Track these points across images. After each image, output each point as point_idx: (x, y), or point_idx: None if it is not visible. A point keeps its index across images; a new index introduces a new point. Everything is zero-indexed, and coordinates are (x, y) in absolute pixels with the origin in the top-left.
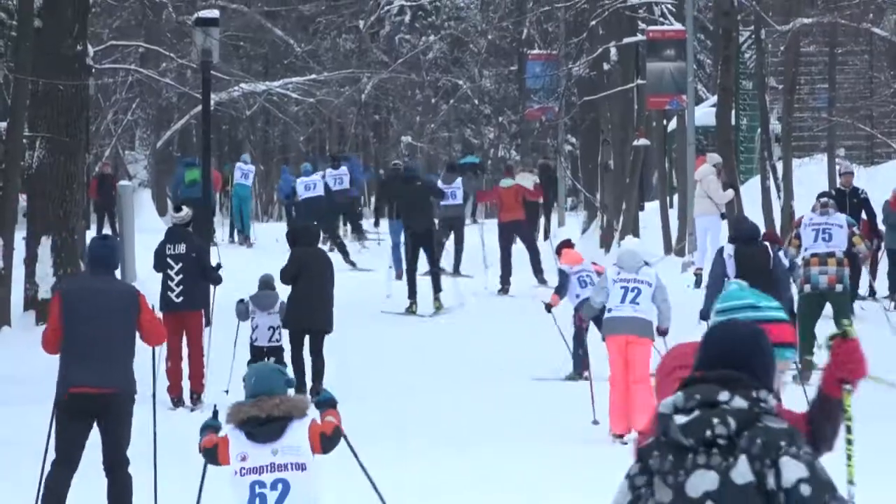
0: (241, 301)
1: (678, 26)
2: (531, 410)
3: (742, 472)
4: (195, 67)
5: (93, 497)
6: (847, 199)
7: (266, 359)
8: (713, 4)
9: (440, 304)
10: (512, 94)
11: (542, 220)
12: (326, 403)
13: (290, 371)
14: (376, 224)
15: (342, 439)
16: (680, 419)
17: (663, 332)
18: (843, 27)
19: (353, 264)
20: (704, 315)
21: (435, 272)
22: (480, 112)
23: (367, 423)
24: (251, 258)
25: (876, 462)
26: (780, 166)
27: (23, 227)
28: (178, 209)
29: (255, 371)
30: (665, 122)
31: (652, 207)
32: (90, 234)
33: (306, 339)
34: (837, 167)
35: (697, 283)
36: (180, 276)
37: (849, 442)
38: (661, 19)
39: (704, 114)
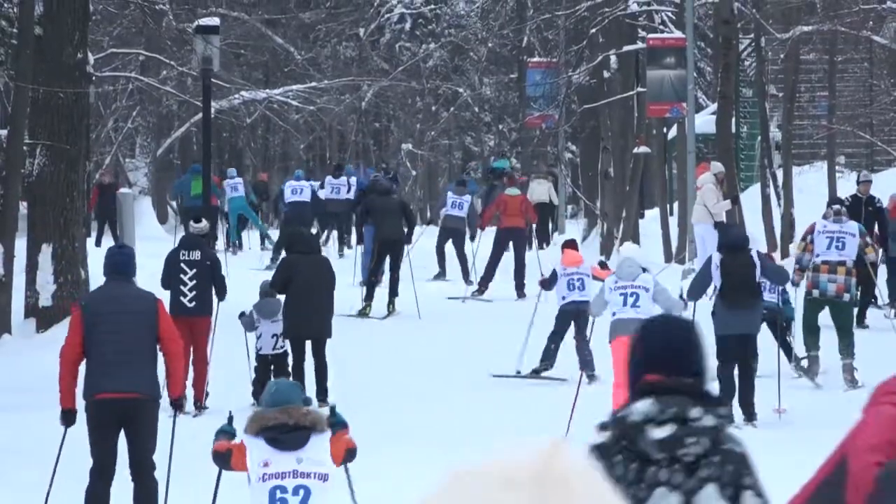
0: (243, 314)
1: (678, 34)
2: (531, 413)
3: (707, 498)
4: (195, 75)
5: (119, 501)
6: (863, 207)
7: (271, 366)
8: (713, 12)
9: (394, 308)
10: (512, 101)
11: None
12: (341, 425)
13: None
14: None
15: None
16: (655, 432)
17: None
18: (842, 35)
19: None
20: (689, 298)
21: (395, 278)
22: (481, 120)
23: (366, 432)
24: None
25: None
26: (780, 174)
27: (23, 235)
28: (197, 220)
29: (276, 384)
30: (665, 129)
31: (652, 215)
32: (90, 242)
33: (308, 346)
34: (856, 175)
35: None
36: (194, 282)
37: None
38: (661, 27)
39: (704, 121)
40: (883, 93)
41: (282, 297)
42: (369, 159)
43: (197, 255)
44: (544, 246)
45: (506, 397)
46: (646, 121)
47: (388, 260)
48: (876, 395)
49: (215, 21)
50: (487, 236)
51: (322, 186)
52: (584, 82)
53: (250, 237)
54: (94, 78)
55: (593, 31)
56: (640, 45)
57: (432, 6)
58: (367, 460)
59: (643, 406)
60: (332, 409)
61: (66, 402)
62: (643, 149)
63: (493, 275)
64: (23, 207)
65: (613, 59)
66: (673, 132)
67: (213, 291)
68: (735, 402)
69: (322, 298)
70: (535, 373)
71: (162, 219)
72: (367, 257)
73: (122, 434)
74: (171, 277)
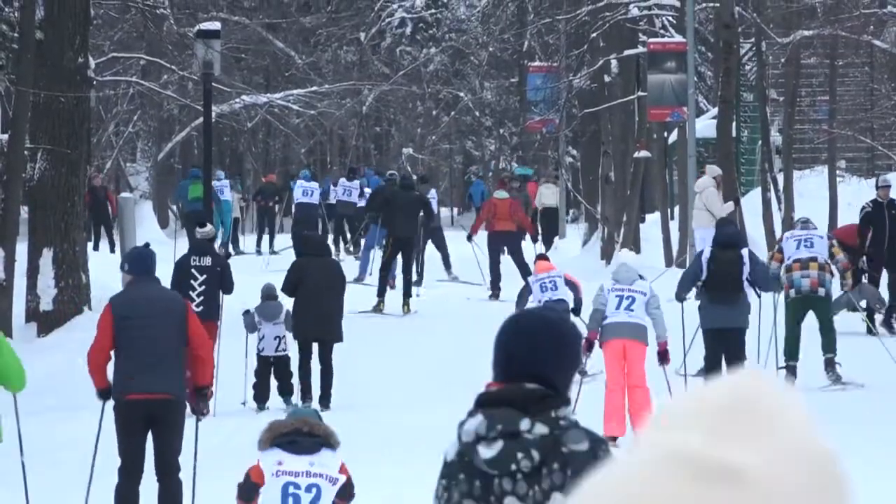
0: (248, 312)
1: (679, 38)
2: None
3: None
4: (196, 79)
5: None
6: (886, 212)
7: (272, 368)
8: (714, 17)
9: (409, 308)
10: (513, 106)
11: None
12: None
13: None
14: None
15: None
16: (484, 452)
17: (663, 351)
18: (843, 39)
19: None
20: (678, 297)
21: (408, 279)
22: (481, 124)
23: (368, 436)
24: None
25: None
26: (780, 178)
27: (24, 239)
28: (202, 224)
29: (295, 408)
30: (666, 134)
31: (653, 219)
32: (90, 246)
33: (315, 348)
34: (875, 179)
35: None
36: (203, 287)
37: None
38: (661, 31)
39: (705, 126)
40: (883, 97)
41: (284, 300)
42: (370, 163)
43: (207, 260)
44: (552, 249)
45: None
46: (646, 125)
47: (399, 260)
48: None
49: (216, 25)
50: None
51: (333, 185)
52: (584, 86)
53: (246, 241)
54: (94, 82)
55: (594, 35)
56: (640, 49)
57: (433, 10)
58: (370, 465)
59: (473, 424)
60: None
61: (101, 384)
62: (644, 153)
63: (499, 276)
64: (24, 212)
65: (614, 63)
66: (674, 136)
67: (221, 292)
68: None
69: (331, 301)
70: None
71: (163, 223)
72: (365, 254)
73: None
74: (180, 283)
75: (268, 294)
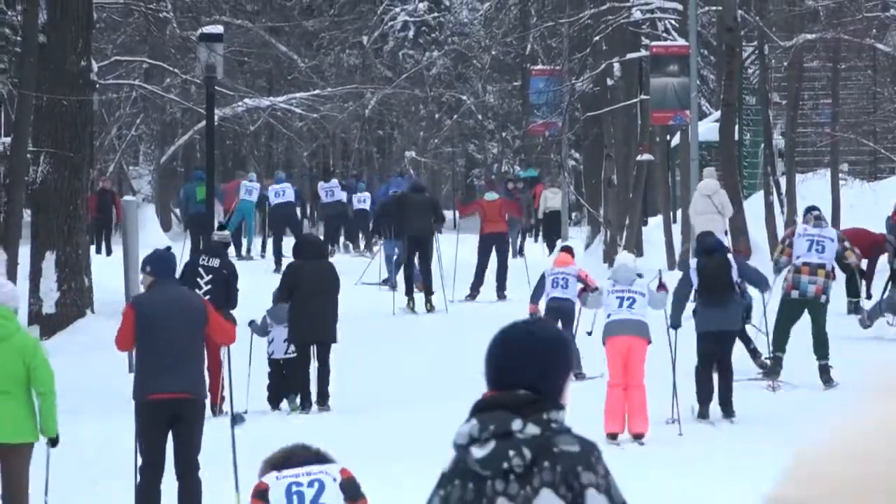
0: (252, 322)
1: (682, 42)
2: None
3: (543, 502)
4: (199, 83)
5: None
6: None
7: (283, 371)
8: (717, 20)
9: (432, 305)
10: (515, 109)
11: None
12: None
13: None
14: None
15: None
16: (476, 452)
17: (674, 324)
18: (846, 43)
19: None
20: (674, 324)
21: (427, 276)
22: (484, 127)
23: (368, 437)
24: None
25: None
26: (783, 181)
27: (27, 242)
28: (221, 227)
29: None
30: (668, 137)
31: (655, 223)
32: (92, 249)
33: (313, 351)
34: (860, 182)
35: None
36: (209, 287)
37: None
38: (664, 35)
39: (708, 129)
40: (886, 100)
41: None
42: (373, 167)
43: (216, 262)
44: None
45: None
46: (649, 128)
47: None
48: None
49: (219, 29)
50: (465, 243)
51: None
52: (587, 90)
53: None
54: (97, 86)
55: (597, 38)
56: (643, 52)
57: (436, 14)
58: (370, 465)
59: (466, 428)
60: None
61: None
62: (646, 156)
63: (482, 280)
64: (26, 215)
65: (617, 66)
66: (676, 140)
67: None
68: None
69: (326, 303)
70: None
71: (166, 226)
72: (389, 262)
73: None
74: (186, 282)
75: (279, 297)
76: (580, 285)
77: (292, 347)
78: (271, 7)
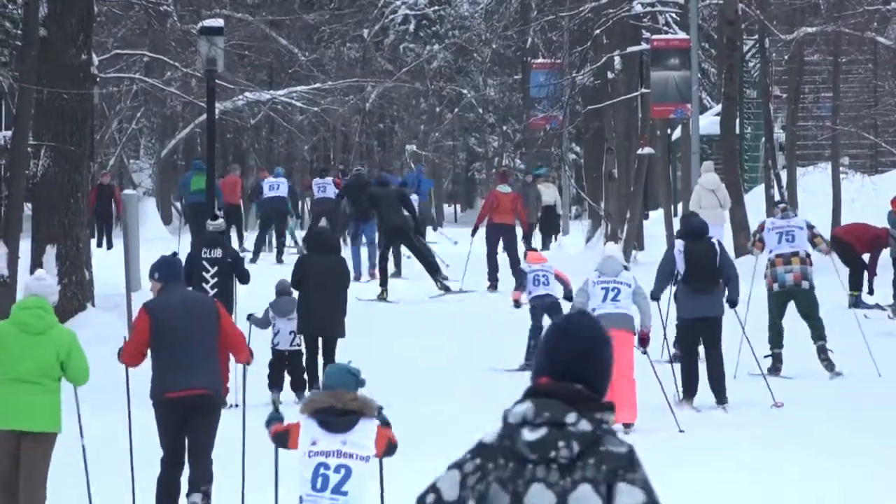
0: (251, 316)
1: (682, 35)
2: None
3: (581, 497)
4: (200, 76)
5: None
6: None
7: (287, 363)
8: (717, 13)
9: (441, 284)
10: (516, 102)
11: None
12: (384, 424)
13: (362, 374)
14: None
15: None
16: (528, 435)
17: (644, 337)
18: (846, 36)
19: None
20: (655, 295)
21: (423, 261)
22: (484, 121)
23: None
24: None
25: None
26: (784, 175)
27: (28, 236)
28: (214, 217)
29: (330, 367)
30: (669, 130)
31: (656, 216)
32: (93, 242)
33: (320, 343)
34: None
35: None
36: (216, 279)
37: None
38: (665, 28)
39: (709, 122)
40: (887, 94)
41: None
42: (374, 160)
43: (218, 252)
44: (549, 248)
45: (509, 390)
46: (650, 122)
47: (402, 249)
48: None
49: (219, 22)
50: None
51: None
52: (588, 83)
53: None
54: (98, 79)
55: (597, 32)
56: (644, 46)
57: (436, 7)
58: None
59: (521, 408)
60: (380, 409)
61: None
62: (647, 150)
63: (497, 268)
64: (27, 209)
65: (617, 60)
66: (677, 133)
67: (234, 285)
68: (707, 387)
69: (333, 298)
70: (523, 369)
71: (166, 220)
72: (372, 248)
73: None
74: (192, 276)
75: (281, 290)
76: (559, 284)
77: (297, 339)
78: (272, 0)
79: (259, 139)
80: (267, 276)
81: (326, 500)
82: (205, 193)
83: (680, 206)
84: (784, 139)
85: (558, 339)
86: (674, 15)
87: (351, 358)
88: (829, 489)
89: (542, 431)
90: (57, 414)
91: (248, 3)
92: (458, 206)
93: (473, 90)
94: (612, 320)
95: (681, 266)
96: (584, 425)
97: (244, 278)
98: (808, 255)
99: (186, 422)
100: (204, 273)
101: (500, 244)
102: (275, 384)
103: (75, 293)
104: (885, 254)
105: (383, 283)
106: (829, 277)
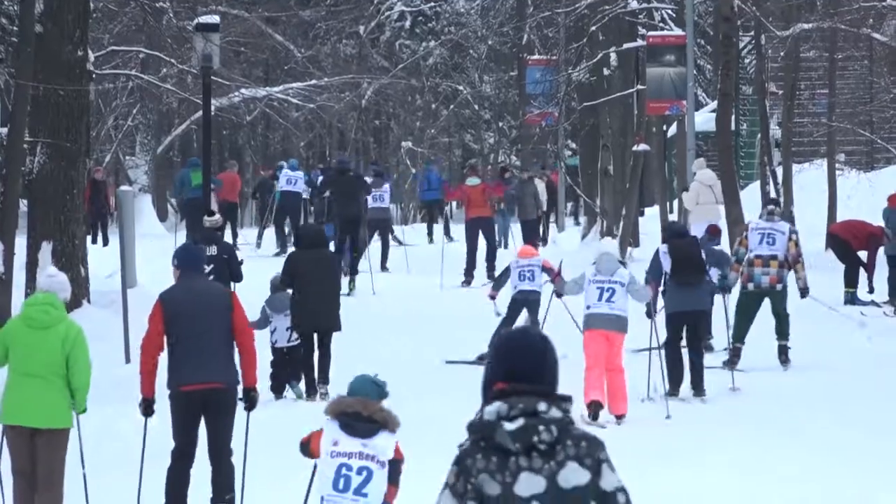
0: (251, 323)
1: (678, 32)
2: None
3: (570, 474)
4: (196, 73)
5: (197, 483)
6: None
7: (286, 358)
8: (713, 10)
9: (354, 285)
10: (512, 99)
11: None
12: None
13: (386, 385)
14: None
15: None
16: (508, 425)
17: (650, 313)
18: (843, 33)
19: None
20: (648, 313)
21: (356, 257)
22: (480, 117)
23: None
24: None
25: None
26: (780, 171)
27: (23, 233)
28: (210, 213)
29: (358, 377)
30: (665, 127)
31: (652, 213)
32: (88, 239)
33: (316, 338)
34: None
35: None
36: (211, 277)
37: None
38: (661, 25)
39: (704, 119)
40: (883, 90)
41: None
42: (370, 157)
43: (213, 250)
44: (538, 243)
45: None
46: (645, 118)
47: (390, 240)
48: None
49: (215, 19)
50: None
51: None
52: (583, 80)
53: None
54: (94, 76)
55: (593, 28)
56: (640, 42)
57: (432, 4)
58: None
59: (493, 407)
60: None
61: (147, 392)
62: (643, 146)
63: (474, 264)
64: (23, 205)
65: (613, 56)
66: (673, 130)
67: (230, 280)
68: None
69: (326, 292)
70: (482, 359)
71: (162, 216)
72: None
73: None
74: None
75: (277, 286)
76: (545, 275)
77: (294, 335)
78: None
79: (255, 136)
80: (265, 273)
81: (348, 501)
82: (202, 191)
83: (675, 203)
84: (780, 136)
85: (515, 352)
86: (670, 11)
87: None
88: (817, 483)
89: (521, 421)
90: (63, 410)
91: (243, 0)
92: (454, 203)
93: (469, 87)
94: (607, 322)
95: (667, 264)
96: (555, 412)
97: (238, 277)
98: (786, 259)
99: (202, 416)
100: None
101: (480, 237)
102: (278, 390)
103: (71, 289)
104: (881, 252)
105: (349, 274)
106: (826, 275)
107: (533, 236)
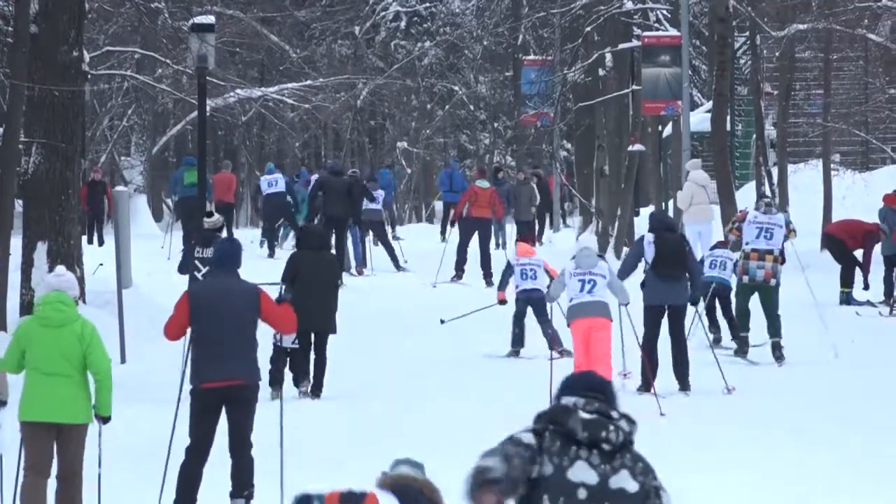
0: None
1: (673, 32)
2: (517, 393)
3: (619, 481)
4: (191, 73)
5: (217, 477)
6: None
7: (288, 357)
8: (709, 10)
9: (341, 282)
10: (507, 99)
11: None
12: None
13: (424, 465)
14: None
15: None
16: (584, 414)
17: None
18: (837, 33)
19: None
20: (622, 278)
21: (340, 257)
22: (476, 118)
23: (364, 428)
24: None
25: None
26: (775, 172)
27: (19, 233)
28: (209, 214)
29: (402, 459)
30: (660, 127)
31: (647, 213)
32: (84, 239)
33: (313, 340)
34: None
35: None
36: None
37: None
38: (656, 25)
39: (700, 119)
40: (878, 91)
41: None
42: (365, 157)
43: (210, 252)
44: (545, 244)
45: (491, 382)
46: (641, 119)
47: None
48: None
49: (211, 19)
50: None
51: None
52: (579, 80)
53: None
54: (89, 76)
55: (588, 29)
56: (635, 43)
57: (427, 4)
58: (366, 457)
59: (571, 399)
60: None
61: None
62: (638, 147)
63: (465, 259)
64: (18, 205)
65: (608, 57)
66: (668, 130)
67: None
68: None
69: (325, 294)
70: (514, 353)
71: (157, 216)
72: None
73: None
74: (187, 266)
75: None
76: (547, 276)
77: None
78: None
79: (250, 136)
80: (264, 273)
81: None
82: (196, 188)
83: (671, 203)
84: (775, 136)
85: (587, 377)
86: (665, 12)
87: (350, 353)
88: (817, 483)
89: (595, 415)
90: (83, 405)
91: (239, 0)
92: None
93: (464, 87)
94: (590, 308)
95: (650, 255)
96: (625, 425)
97: None
98: (781, 254)
99: (223, 412)
100: (196, 273)
101: (476, 238)
102: (277, 381)
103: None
104: (876, 249)
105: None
106: (822, 275)
107: (528, 234)
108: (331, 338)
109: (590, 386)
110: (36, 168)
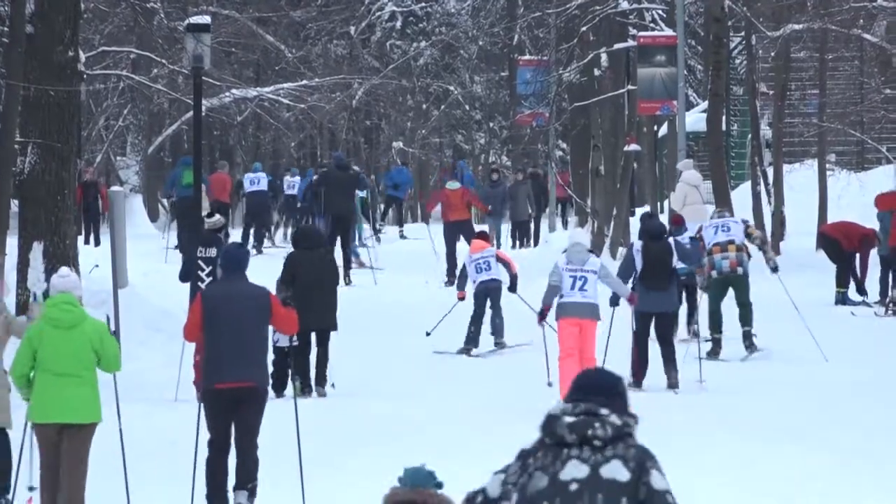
0: None
1: (669, 32)
2: (510, 387)
3: (612, 470)
4: (187, 73)
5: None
6: None
7: (287, 358)
8: (704, 10)
9: (349, 280)
10: (503, 99)
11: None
12: None
13: (438, 475)
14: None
15: None
16: (567, 419)
17: (631, 299)
18: (833, 33)
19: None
20: (613, 301)
21: (347, 253)
22: (471, 118)
23: (363, 425)
24: None
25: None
26: (770, 172)
27: (14, 233)
28: (210, 215)
29: (409, 468)
30: (656, 127)
31: (643, 213)
32: (80, 240)
33: (314, 339)
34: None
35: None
36: (210, 279)
37: None
38: (651, 25)
39: (695, 119)
40: (873, 91)
41: None
42: (360, 157)
43: (213, 252)
44: (525, 242)
45: (480, 377)
46: (636, 119)
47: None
48: None
49: (206, 19)
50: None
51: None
52: (574, 80)
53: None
54: (85, 76)
55: (584, 29)
56: (630, 43)
57: (423, 4)
58: (364, 455)
59: (560, 404)
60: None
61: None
62: (634, 147)
63: (455, 264)
64: (14, 205)
65: (604, 57)
66: (663, 130)
67: None
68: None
69: (325, 292)
70: (465, 352)
71: (153, 216)
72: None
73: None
74: (189, 274)
75: (280, 288)
76: (501, 265)
77: (295, 336)
78: None
79: (246, 136)
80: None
81: None
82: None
83: (667, 203)
84: (770, 136)
85: (590, 374)
86: (660, 12)
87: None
88: (816, 482)
89: (581, 417)
90: (97, 404)
91: (234, 0)
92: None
93: (460, 87)
94: (579, 310)
95: (638, 264)
96: (615, 419)
97: None
98: (743, 245)
99: (234, 410)
100: (199, 272)
101: (460, 239)
102: (279, 388)
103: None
104: (874, 253)
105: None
106: (817, 275)
107: (524, 237)
108: (331, 335)
109: (591, 386)
110: (32, 168)
